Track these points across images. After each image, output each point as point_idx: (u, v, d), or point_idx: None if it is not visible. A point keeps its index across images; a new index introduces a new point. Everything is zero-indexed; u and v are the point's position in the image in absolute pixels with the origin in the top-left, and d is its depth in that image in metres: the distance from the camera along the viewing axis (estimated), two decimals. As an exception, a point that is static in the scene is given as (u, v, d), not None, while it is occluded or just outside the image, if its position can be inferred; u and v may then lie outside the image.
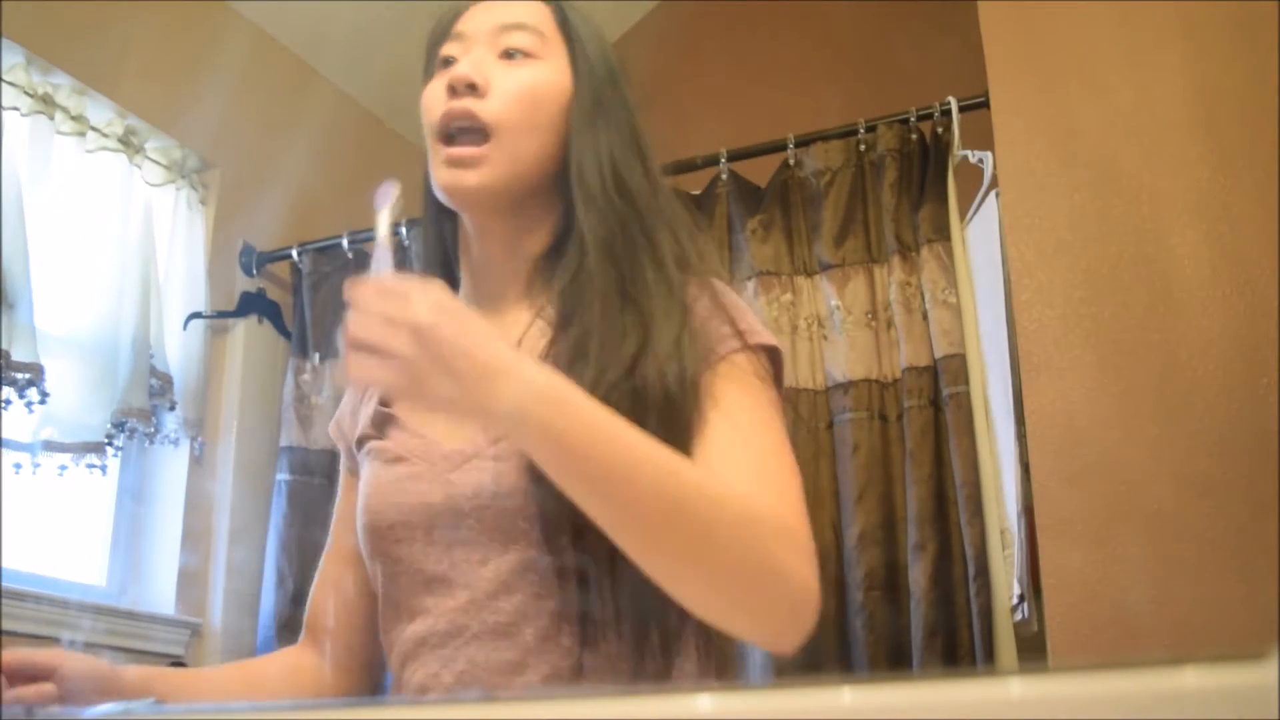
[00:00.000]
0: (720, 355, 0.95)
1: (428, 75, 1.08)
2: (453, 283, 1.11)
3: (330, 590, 1.10)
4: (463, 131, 0.99)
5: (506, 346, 0.82)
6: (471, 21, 1.06)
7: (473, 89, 0.99)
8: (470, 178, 0.99)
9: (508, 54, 1.03)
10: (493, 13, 1.05)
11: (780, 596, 0.84)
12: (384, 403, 1.05)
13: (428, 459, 0.98)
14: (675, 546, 0.83)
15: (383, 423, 1.04)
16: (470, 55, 1.02)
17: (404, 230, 2.73)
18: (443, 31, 1.08)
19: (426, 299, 0.79)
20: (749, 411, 0.94)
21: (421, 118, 1.05)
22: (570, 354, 0.94)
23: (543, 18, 1.05)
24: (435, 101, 1.02)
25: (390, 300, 0.78)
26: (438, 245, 1.12)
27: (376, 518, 0.98)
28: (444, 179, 1.00)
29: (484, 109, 0.99)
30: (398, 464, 0.99)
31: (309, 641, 1.12)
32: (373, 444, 1.03)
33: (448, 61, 1.04)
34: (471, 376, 0.78)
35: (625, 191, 1.00)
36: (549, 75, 1.03)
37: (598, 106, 1.03)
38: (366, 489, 1.01)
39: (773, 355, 0.99)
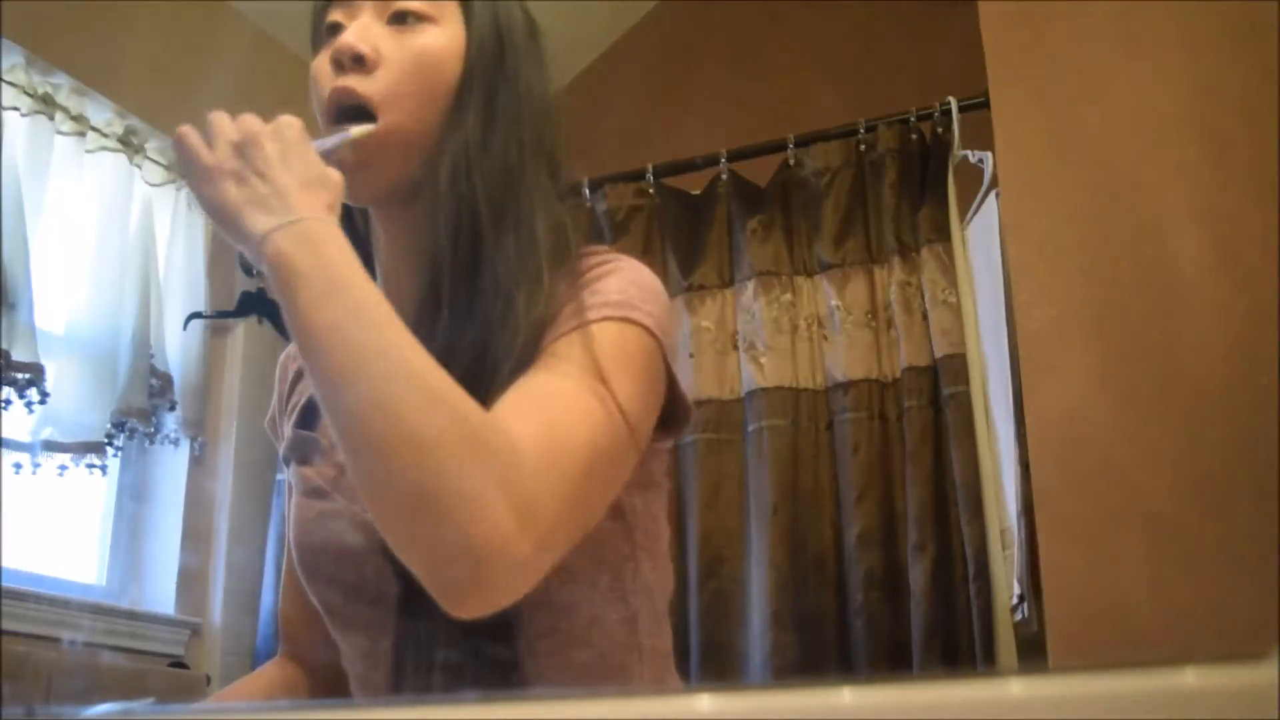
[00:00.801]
0: (551, 339, 0.85)
1: (315, 46, 0.97)
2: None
3: (293, 598, 1.05)
4: (351, 113, 0.90)
5: (312, 189, 0.79)
6: None
7: (359, 62, 0.90)
8: (361, 167, 0.89)
9: (398, 17, 0.92)
10: None
11: (450, 521, 0.71)
12: (302, 425, 0.99)
13: (347, 494, 0.91)
14: (372, 435, 0.73)
15: (304, 448, 0.97)
16: (357, 22, 0.92)
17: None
18: None
19: (277, 119, 0.81)
20: (545, 377, 0.83)
21: (311, 95, 0.95)
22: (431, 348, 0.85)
23: None
24: (322, 77, 0.92)
25: (250, 116, 0.81)
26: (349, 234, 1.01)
27: (303, 557, 0.93)
28: (342, 169, 0.88)
29: (371, 86, 0.89)
30: (317, 499, 0.93)
31: (286, 651, 1.09)
32: (294, 468, 0.97)
33: (334, 29, 0.94)
34: (257, 193, 0.78)
35: (490, 170, 0.90)
36: (444, 40, 0.92)
37: (476, 75, 0.92)
38: (291, 521, 0.96)
39: (643, 329, 0.87)
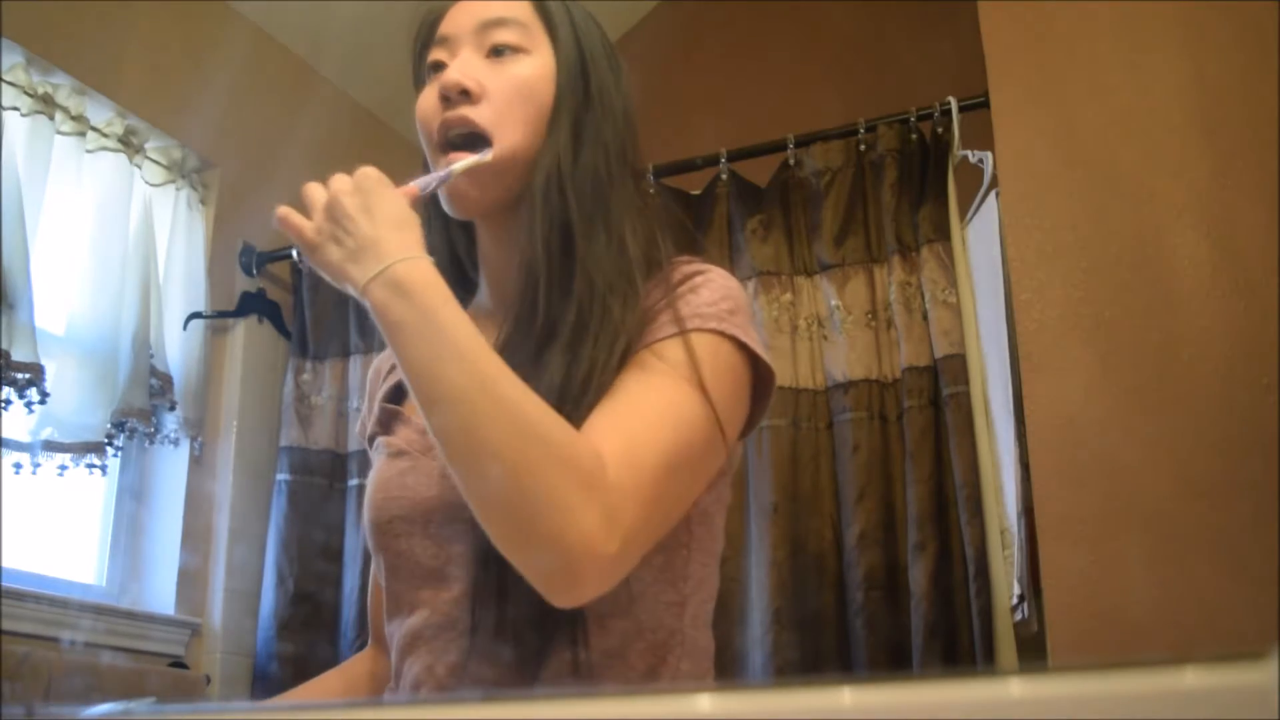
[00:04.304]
0: (645, 344, 0.93)
1: (418, 83, 1.07)
2: (467, 287, 1.10)
3: (376, 590, 1.12)
4: (464, 139, 0.99)
5: (398, 231, 0.87)
6: (453, 23, 1.04)
7: (466, 95, 0.99)
8: (474, 188, 0.99)
9: (495, 51, 1.02)
10: (473, 11, 1.04)
11: (545, 532, 0.81)
12: (391, 399, 1.07)
13: (426, 453, 0.98)
14: (468, 458, 0.83)
15: (389, 419, 1.05)
16: (458, 59, 1.01)
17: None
18: (426, 36, 1.07)
19: (351, 176, 0.89)
20: (630, 386, 0.90)
21: (418, 129, 1.04)
22: (522, 353, 0.93)
23: (523, 9, 1.04)
24: (430, 112, 1.01)
25: (337, 177, 0.90)
26: (447, 253, 1.10)
27: (378, 512, 1.00)
28: (449, 190, 1.00)
29: (481, 115, 0.99)
30: (399, 458, 1.01)
31: (373, 643, 1.15)
32: (380, 439, 1.05)
33: (437, 67, 1.03)
34: (350, 249, 0.87)
35: (578, 184, 0.98)
36: (538, 68, 1.01)
37: (566, 97, 1.01)
38: (370, 484, 1.03)
39: (734, 342, 0.94)
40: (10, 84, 2.27)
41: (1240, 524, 1.60)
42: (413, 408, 1.03)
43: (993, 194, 2.11)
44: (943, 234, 2.25)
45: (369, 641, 1.17)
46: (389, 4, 2.95)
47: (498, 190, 0.99)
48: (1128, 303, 1.77)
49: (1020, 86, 1.95)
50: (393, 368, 1.10)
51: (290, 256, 2.82)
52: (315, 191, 0.90)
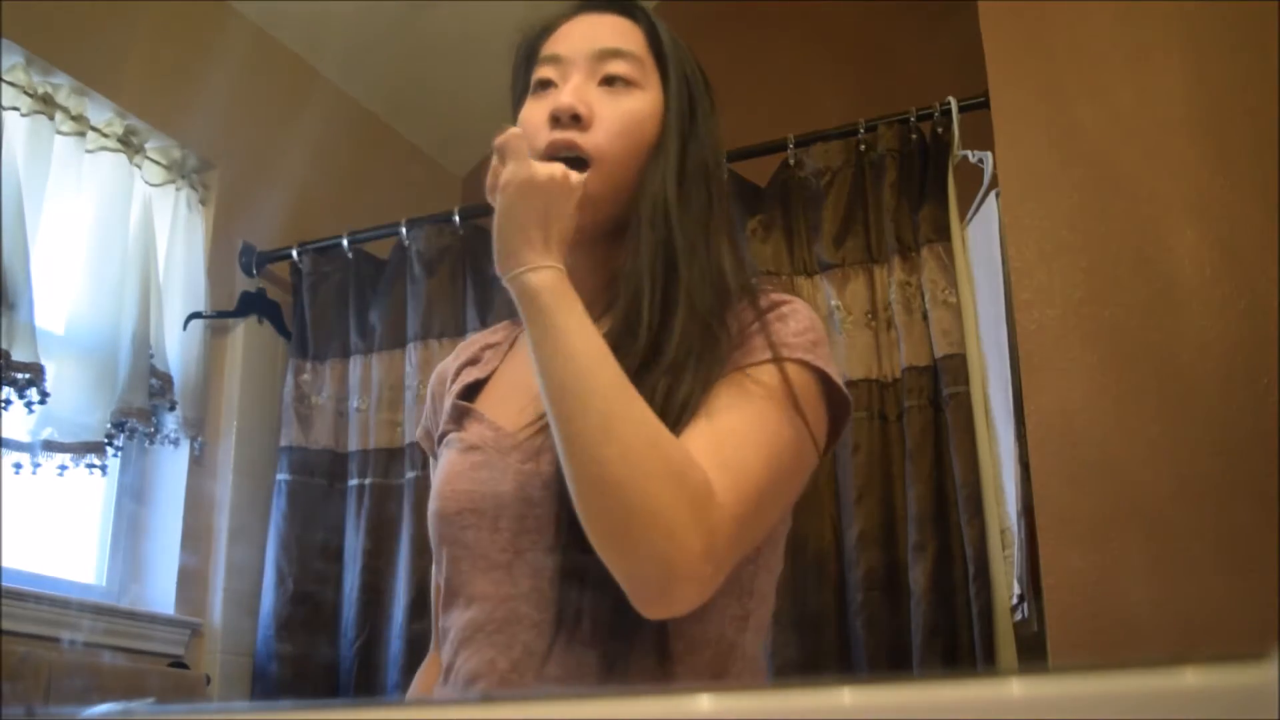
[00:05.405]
0: (738, 366, 0.97)
1: (518, 94, 1.10)
2: None
3: (439, 592, 1.12)
4: (567, 163, 1.00)
5: (528, 240, 0.92)
6: (567, 43, 1.07)
7: (576, 120, 1.02)
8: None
9: (608, 80, 1.05)
10: (591, 37, 1.07)
11: (650, 545, 0.84)
12: (462, 396, 1.10)
13: (500, 449, 1.01)
14: (586, 461, 0.87)
15: (461, 415, 1.08)
16: (571, 83, 1.04)
17: (404, 231, 2.73)
18: (535, 51, 1.09)
19: (509, 171, 0.93)
20: (731, 409, 0.94)
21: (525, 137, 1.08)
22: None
23: (638, 42, 1.08)
24: (537, 128, 1.03)
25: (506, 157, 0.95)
26: None
27: (446, 504, 1.02)
28: None
29: (589, 140, 1.02)
30: (471, 452, 1.03)
31: (437, 647, 1.14)
32: (451, 435, 1.07)
33: (544, 83, 1.06)
34: (502, 249, 0.93)
35: (682, 213, 1.02)
36: (648, 105, 1.05)
37: (673, 131, 1.05)
38: (439, 476, 1.05)
39: (817, 373, 0.99)
40: (10, 84, 2.27)
41: (1240, 524, 1.60)
42: (487, 405, 1.07)
43: (993, 194, 2.11)
44: (943, 234, 2.25)
45: (432, 646, 1.16)
46: (389, 4, 2.95)
47: (593, 215, 1.01)
48: (1128, 303, 1.77)
49: (1020, 86, 1.95)
50: (460, 370, 1.15)
51: (290, 257, 2.82)
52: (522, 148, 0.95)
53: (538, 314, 0.91)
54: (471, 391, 1.11)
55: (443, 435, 1.10)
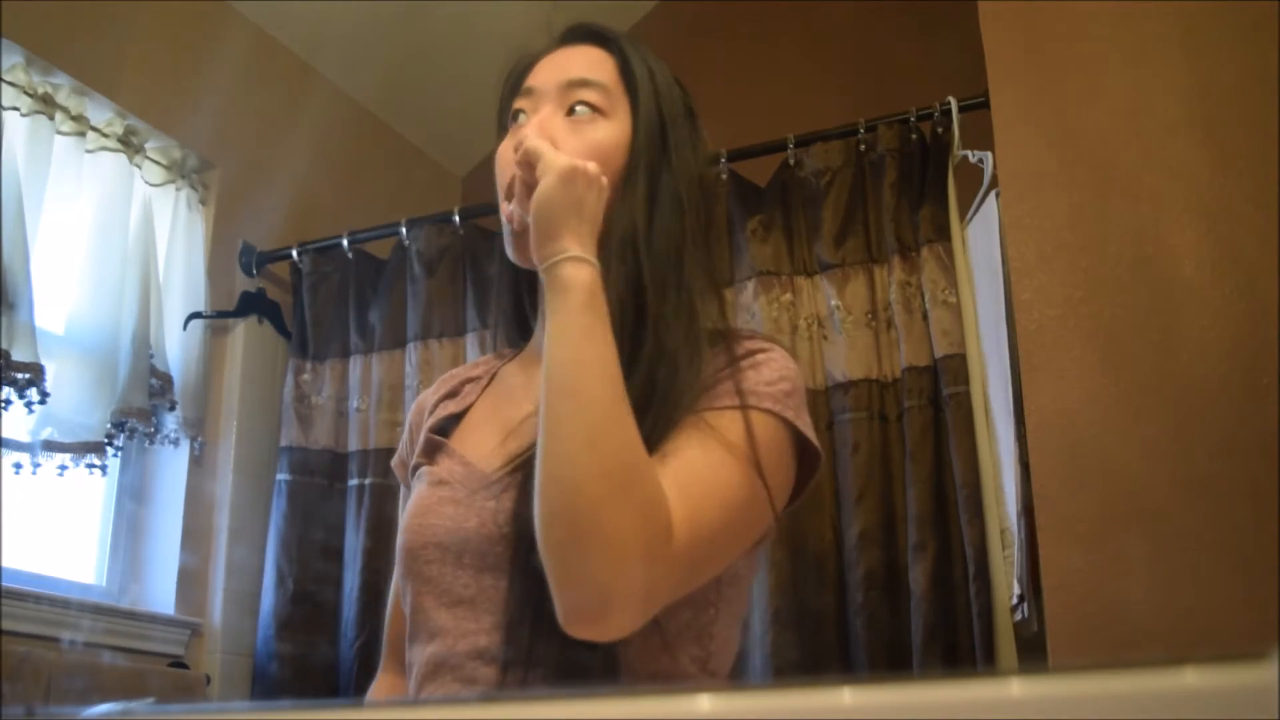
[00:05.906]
0: (702, 410, 0.96)
1: (501, 129, 1.10)
2: (524, 331, 1.14)
3: (396, 612, 1.13)
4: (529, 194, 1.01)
5: (569, 226, 0.92)
6: (540, 77, 1.07)
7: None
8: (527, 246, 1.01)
9: (575, 111, 1.04)
10: (562, 68, 1.07)
11: (598, 567, 0.83)
12: (437, 430, 1.09)
13: (468, 485, 1.01)
14: (563, 462, 0.86)
15: (433, 449, 1.08)
16: (539, 115, 1.04)
17: (404, 231, 2.73)
18: (514, 84, 1.10)
19: (554, 154, 0.94)
20: (689, 451, 0.93)
21: (495, 174, 1.07)
22: None
23: (609, 71, 1.07)
24: (505, 163, 1.03)
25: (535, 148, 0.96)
26: (511, 299, 1.15)
27: (412, 538, 1.01)
28: (516, 240, 1.01)
29: None
30: (440, 487, 1.03)
31: (389, 667, 1.15)
32: (422, 468, 1.07)
33: (517, 116, 1.07)
34: (546, 229, 0.93)
35: (651, 245, 1.01)
36: (614, 134, 1.04)
37: (642, 161, 1.04)
38: (408, 510, 1.04)
39: (786, 425, 0.98)
40: (10, 84, 2.27)
41: (1240, 524, 1.60)
42: (460, 440, 1.07)
43: (993, 194, 2.11)
44: (943, 234, 2.25)
45: (382, 667, 1.17)
46: (389, 4, 2.95)
47: None
48: (1128, 303, 1.76)
49: (1020, 86, 1.95)
50: (437, 403, 1.15)
51: (290, 257, 2.82)
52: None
53: (566, 309, 0.90)
54: (447, 425, 1.10)
55: (415, 468, 1.10)
